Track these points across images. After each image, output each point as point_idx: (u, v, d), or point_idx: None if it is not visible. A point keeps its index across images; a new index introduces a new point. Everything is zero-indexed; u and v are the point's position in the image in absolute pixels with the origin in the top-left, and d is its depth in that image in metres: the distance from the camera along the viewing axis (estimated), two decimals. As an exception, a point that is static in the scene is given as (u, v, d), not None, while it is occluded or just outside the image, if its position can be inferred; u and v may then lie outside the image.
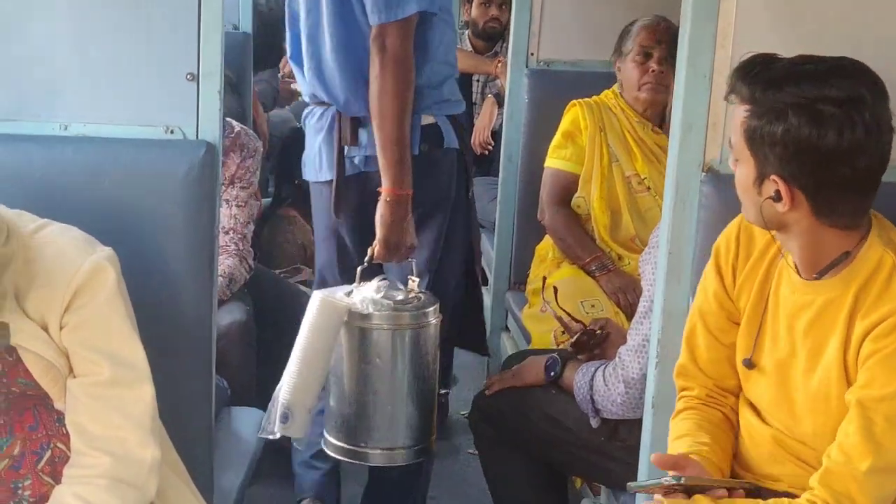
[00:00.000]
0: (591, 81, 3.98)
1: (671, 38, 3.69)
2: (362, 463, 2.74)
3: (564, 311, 3.17)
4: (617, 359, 2.67)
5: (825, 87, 1.87)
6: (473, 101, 5.47)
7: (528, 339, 3.71)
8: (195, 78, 2.30)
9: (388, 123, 2.87)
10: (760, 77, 1.93)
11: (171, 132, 2.31)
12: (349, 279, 2.80)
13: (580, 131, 3.77)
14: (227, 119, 3.52)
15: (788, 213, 1.95)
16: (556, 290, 3.34)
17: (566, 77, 4.20)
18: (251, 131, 3.76)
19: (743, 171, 1.99)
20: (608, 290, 3.59)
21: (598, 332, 2.92)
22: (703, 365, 2.20)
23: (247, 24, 4.32)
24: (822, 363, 2.00)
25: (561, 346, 3.21)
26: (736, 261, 2.14)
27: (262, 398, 3.23)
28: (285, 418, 2.56)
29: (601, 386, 2.68)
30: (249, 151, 3.57)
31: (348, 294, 2.63)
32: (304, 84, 3.15)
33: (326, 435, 2.69)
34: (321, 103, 3.09)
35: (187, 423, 2.29)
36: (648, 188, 3.67)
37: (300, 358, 2.55)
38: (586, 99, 3.82)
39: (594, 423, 2.73)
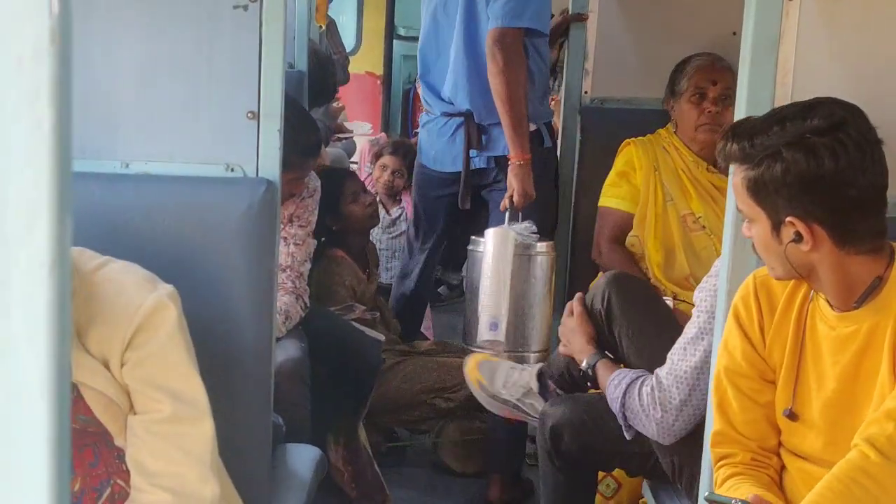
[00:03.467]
0: (645, 119, 3.97)
1: (725, 77, 3.69)
2: (520, 363, 3.44)
3: None
4: (655, 380, 2.64)
5: (807, 121, 1.93)
6: None
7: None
8: (255, 116, 2.32)
9: (514, 106, 3.76)
10: (745, 132, 1.99)
11: (232, 170, 2.33)
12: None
13: (634, 170, 3.77)
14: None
15: (813, 252, 1.96)
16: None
17: (619, 115, 4.20)
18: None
19: (758, 228, 2.01)
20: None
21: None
22: (742, 428, 2.18)
23: (302, 63, 4.36)
24: (877, 386, 1.99)
25: None
26: (761, 319, 2.14)
27: (316, 435, 3.25)
28: (495, 327, 3.57)
29: (636, 404, 2.67)
30: (308, 190, 3.58)
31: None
32: (429, 95, 4.11)
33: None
34: (447, 115, 4.05)
35: (245, 459, 2.29)
36: (703, 227, 3.66)
37: (491, 278, 3.57)
38: (640, 137, 3.81)
39: (628, 435, 2.72)
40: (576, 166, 4.24)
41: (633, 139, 3.81)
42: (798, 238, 1.95)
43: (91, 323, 1.95)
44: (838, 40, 2.30)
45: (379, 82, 8.99)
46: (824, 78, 2.25)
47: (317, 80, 4.51)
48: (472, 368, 3.34)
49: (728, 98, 3.68)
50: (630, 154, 3.79)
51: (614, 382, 2.74)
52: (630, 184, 3.77)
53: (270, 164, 2.33)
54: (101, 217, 2.25)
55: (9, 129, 0.51)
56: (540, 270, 3.66)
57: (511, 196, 3.80)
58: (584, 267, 4.02)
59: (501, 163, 3.94)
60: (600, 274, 3.84)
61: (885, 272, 2.01)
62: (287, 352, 3.26)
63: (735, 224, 2.28)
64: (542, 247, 3.67)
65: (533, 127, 3.90)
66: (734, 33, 3.90)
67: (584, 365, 2.91)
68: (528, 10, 3.76)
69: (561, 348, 3.07)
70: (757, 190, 1.97)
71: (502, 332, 3.52)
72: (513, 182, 3.81)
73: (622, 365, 2.87)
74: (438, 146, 4.12)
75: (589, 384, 2.95)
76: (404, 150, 5.82)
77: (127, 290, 1.98)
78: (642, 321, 2.91)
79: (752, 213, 2.01)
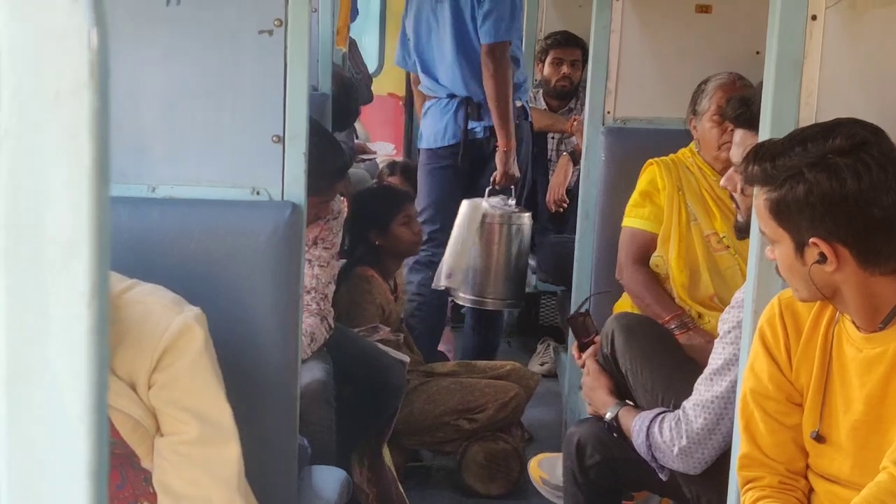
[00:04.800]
0: (668, 139, 3.96)
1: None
2: (482, 308, 4.81)
3: None
4: (681, 412, 2.64)
5: (828, 141, 1.92)
6: (549, 157, 5.48)
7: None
8: (281, 140, 2.33)
9: (503, 105, 4.78)
10: (766, 153, 1.98)
11: (258, 193, 2.34)
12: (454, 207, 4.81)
13: (658, 190, 3.76)
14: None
15: (837, 273, 1.95)
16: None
17: (643, 135, 4.19)
18: (335, 193, 3.79)
19: (781, 250, 2.01)
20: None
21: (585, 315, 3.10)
22: (769, 451, 2.17)
23: (326, 86, 4.39)
24: None
25: None
26: (787, 341, 2.13)
27: (340, 457, 3.25)
28: (449, 276, 4.62)
29: (657, 437, 2.66)
30: (333, 213, 3.60)
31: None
32: (432, 84, 5.04)
33: (462, 294, 4.72)
34: (451, 96, 4.98)
35: (272, 481, 2.30)
36: (727, 247, 3.64)
37: (455, 237, 4.64)
38: (663, 157, 3.80)
39: (663, 476, 2.71)
40: (599, 186, 4.23)
41: (656, 159, 3.80)
42: (822, 259, 1.95)
43: (118, 345, 1.96)
44: (862, 61, 2.30)
45: (401, 103, 9.02)
46: (848, 98, 2.25)
47: (341, 104, 4.55)
48: (534, 468, 3.54)
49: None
50: (653, 174, 3.78)
51: (636, 428, 2.74)
52: (654, 204, 3.76)
53: (296, 188, 2.34)
54: (128, 240, 2.27)
55: (49, 162, 0.52)
56: (509, 235, 4.73)
57: (495, 176, 4.82)
58: (609, 289, 4.02)
59: (495, 133, 4.90)
60: (624, 295, 3.85)
61: None
62: (312, 373, 3.27)
63: (760, 246, 2.28)
64: (515, 217, 4.74)
65: (518, 103, 5.01)
66: (757, 52, 3.90)
67: (607, 417, 2.91)
68: (511, 26, 4.84)
69: (588, 410, 3.08)
70: (780, 211, 1.97)
71: (457, 280, 4.65)
72: (498, 164, 4.83)
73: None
74: (443, 123, 5.01)
75: (615, 435, 2.94)
76: (402, 168, 5.83)
77: (154, 313, 1.99)
78: (646, 358, 2.92)
79: (776, 234, 2.00)
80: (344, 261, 4.26)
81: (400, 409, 3.79)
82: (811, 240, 1.94)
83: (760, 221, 2.04)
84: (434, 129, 5.03)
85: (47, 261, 0.52)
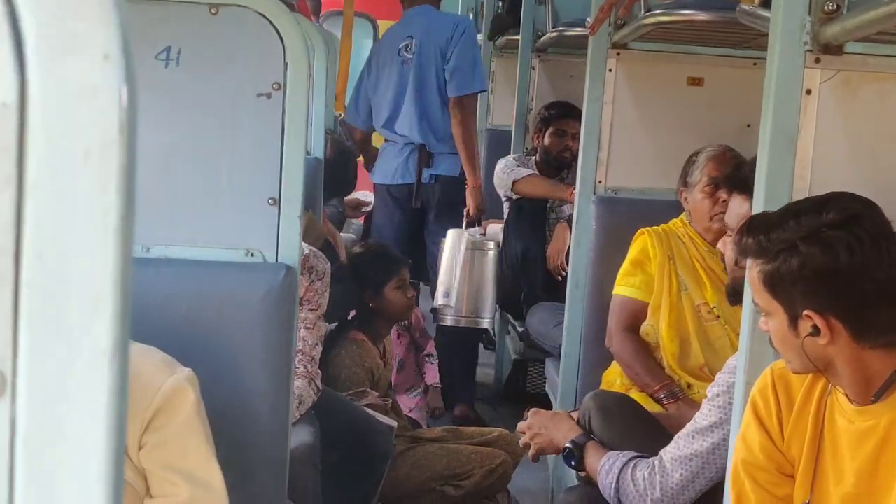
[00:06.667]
0: (660, 209, 3.98)
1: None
2: (473, 327, 5.49)
3: None
4: (658, 461, 2.64)
5: (822, 215, 1.94)
6: (547, 227, 5.51)
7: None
8: (276, 202, 2.34)
9: (470, 147, 5.50)
10: (761, 226, 1.99)
11: (252, 255, 2.35)
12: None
13: (649, 259, 3.77)
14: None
15: (830, 346, 1.95)
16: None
17: (634, 204, 4.20)
18: (320, 253, 3.79)
19: (774, 323, 2.01)
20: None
21: None
22: None
23: (318, 150, 4.41)
24: None
25: None
26: (780, 412, 2.13)
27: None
28: (446, 295, 5.26)
29: (629, 485, 2.66)
30: (318, 273, 3.59)
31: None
32: (389, 133, 5.70)
33: (451, 316, 5.34)
34: (407, 143, 5.62)
35: (259, 546, 2.28)
36: (718, 317, 3.65)
37: (446, 262, 5.28)
38: (655, 227, 3.82)
39: None
40: (590, 255, 4.24)
41: (647, 228, 3.82)
42: (815, 332, 1.95)
43: (109, 405, 1.95)
44: (855, 135, 2.32)
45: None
46: (842, 172, 2.27)
47: (339, 172, 4.60)
48: None
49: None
50: (645, 243, 3.79)
51: (605, 468, 2.74)
52: (645, 272, 3.77)
53: (290, 250, 2.35)
54: (120, 300, 2.26)
55: (76, 217, 0.52)
56: (486, 261, 5.41)
57: (468, 210, 5.49)
58: (598, 357, 4.01)
59: (440, 179, 5.63)
60: (614, 363, 3.85)
61: None
62: (300, 437, 3.25)
63: (752, 317, 2.28)
64: (489, 245, 5.44)
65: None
66: (748, 126, 3.94)
67: (574, 442, 2.90)
68: (476, 79, 5.57)
69: (534, 449, 3.07)
70: (773, 284, 1.97)
71: (452, 299, 5.26)
72: (469, 200, 5.51)
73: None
74: (395, 163, 5.66)
75: (573, 463, 2.92)
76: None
77: (145, 373, 1.98)
78: (623, 438, 2.92)
79: (769, 306, 2.01)
80: (335, 325, 4.25)
81: (386, 474, 3.77)
82: (805, 312, 1.95)
83: (754, 293, 2.04)
84: (386, 167, 5.75)
85: (72, 320, 0.52)
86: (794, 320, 1.98)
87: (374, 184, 5.90)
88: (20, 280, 0.51)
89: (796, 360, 2.02)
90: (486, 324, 5.52)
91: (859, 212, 1.94)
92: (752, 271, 2.02)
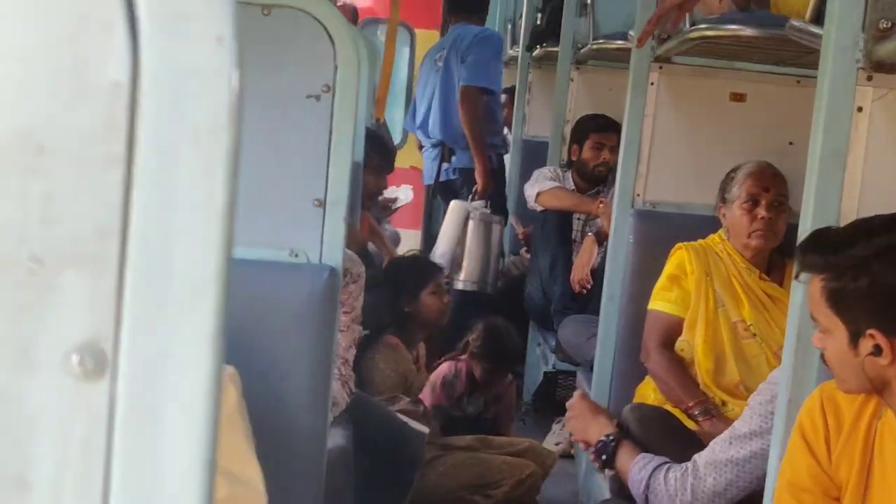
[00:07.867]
0: (698, 224, 3.96)
1: (778, 184, 3.69)
2: (477, 290, 6.01)
3: None
4: (691, 465, 2.62)
5: (894, 234, 1.91)
6: (574, 238, 5.49)
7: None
8: (322, 204, 2.34)
9: (475, 136, 6.17)
10: (828, 243, 1.97)
11: (296, 255, 2.35)
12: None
13: (686, 275, 3.75)
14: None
15: (891, 367, 1.92)
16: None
17: (672, 219, 4.18)
18: (355, 257, 3.79)
19: (834, 340, 1.98)
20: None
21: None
22: None
23: (359, 154, 4.42)
24: None
25: None
26: (828, 434, 2.10)
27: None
28: (443, 256, 5.72)
29: (660, 485, 2.64)
30: (353, 276, 3.59)
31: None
32: (423, 136, 6.75)
33: (461, 280, 5.96)
34: (434, 144, 6.51)
35: (295, 546, 2.28)
36: (755, 335, 3.63)
37: (445, 230, 6.02)
38: (692, 242, 3.80)
39: None
40: (626, 268, 4.22)
41: (685, 243, 3.80)
42: (877, 351, 1.92)
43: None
44: (906, 154, 2.30)
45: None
46: (892, 192, 2.25)
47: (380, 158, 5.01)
48: None
49: (781, 205, 3.67)
50: (682, 258, 3.77)
51: (639, 465, 2.73)
52: (681, 288, 3.75)
53: (334, 252, 2.35)
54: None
55: (182, 201, 0.52)
56: (488, 232, 6.05)
57: (476, 188, 6.22)
58: (632, 371, 4.00)
59: (462, 172, 6.41)
60: (647, 377, 3.83)
61: None
62: (334, 439, 3.24)
63: (797, 334, 2.26)
64: (491, 217, 6.11)
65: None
66: (790, 143, 3.91)
67: (609, 437, 2.89)
68: (484, 76, 6.22)
69: (577, 435, 3.08)
70: (837, 300, 1.94)
71: (447, 262, 5.71)
72: (478, 180, 6.23)
73: None
74: (430, 166, 6.60)
75: (603, 458, 2.92)
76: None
77: (188, 370, 1.98)
78: (662, 450, 2.90)
79: (829, 323, 1.98)
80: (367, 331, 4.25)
81: (416, 481, 3.76)
82: (868, 331, 1.92)
83: (813, 309, 2.01)
84: (425, 169, 6.79)
85: (173, 301, 0.52)
86: (855, 338, 1.95)
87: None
88: (125, 261, 0.51)
89: (853, 379, 1.99)
90: (489, 290, 6.11)
91: None
92: (814, 287, 1.98)
